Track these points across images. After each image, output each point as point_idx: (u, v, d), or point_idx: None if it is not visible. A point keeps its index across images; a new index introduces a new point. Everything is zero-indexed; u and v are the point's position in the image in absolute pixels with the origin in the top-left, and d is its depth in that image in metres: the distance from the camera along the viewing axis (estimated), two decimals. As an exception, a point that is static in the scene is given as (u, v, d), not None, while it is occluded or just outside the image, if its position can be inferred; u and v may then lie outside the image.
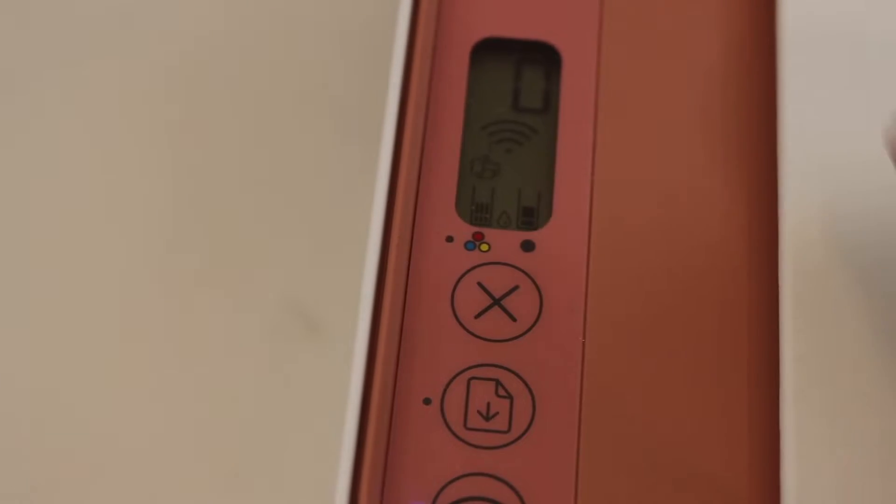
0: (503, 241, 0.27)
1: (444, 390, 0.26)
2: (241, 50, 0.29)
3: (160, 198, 0.27)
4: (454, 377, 0.26)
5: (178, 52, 0.29)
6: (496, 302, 0.27)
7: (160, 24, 0.29)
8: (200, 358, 0.26)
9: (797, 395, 0.25)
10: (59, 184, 0.27)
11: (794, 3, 0.29)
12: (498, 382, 0.26)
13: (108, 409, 0.25)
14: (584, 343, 0.26)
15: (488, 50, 0.30)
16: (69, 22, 0.29)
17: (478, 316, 0.27)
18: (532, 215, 0.28)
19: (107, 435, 0.25)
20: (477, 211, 0.28)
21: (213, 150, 0.27)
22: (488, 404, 0.26)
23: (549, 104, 0.29)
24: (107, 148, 0.28)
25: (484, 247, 0.27)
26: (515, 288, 0.27)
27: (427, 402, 0.26)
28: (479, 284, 0.27)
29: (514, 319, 0.27)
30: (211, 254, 0.27)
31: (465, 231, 0.28)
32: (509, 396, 0.26)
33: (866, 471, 0.24)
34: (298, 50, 0.28)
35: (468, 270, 0.27)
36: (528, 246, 0.27)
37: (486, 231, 0.28)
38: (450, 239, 0.28)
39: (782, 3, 0.29)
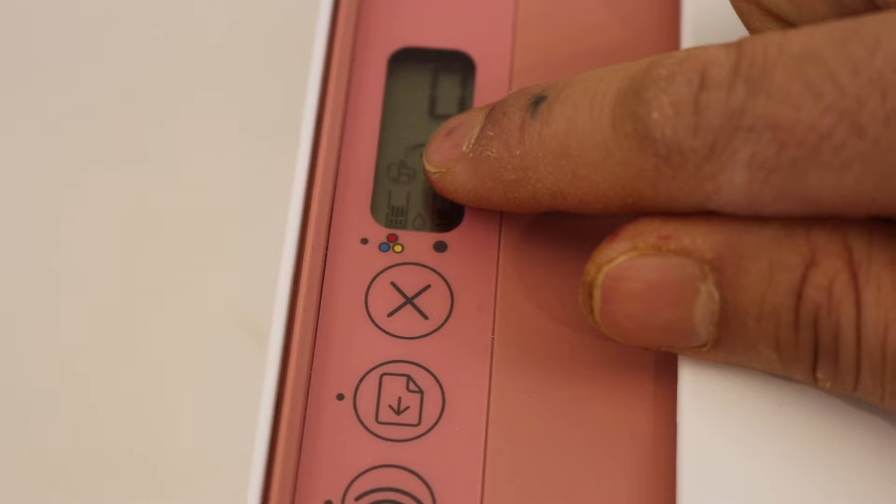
0: (416, 243, 0.28)
1: (357, 386, 0.27)
2: (160, 55, 0.29)
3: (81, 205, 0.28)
4: (367, 373, 0.27)
5: (103, 52, 0.29)
6: (409, 301, 0.28)
7: (79, 26, 0.30)
8: (136, 363, 0.26)
9: (694, 392, 0.26)
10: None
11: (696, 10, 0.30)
12: (409, 378, 0.27)
13: (47, 409, 0.26)
14: (493, 339, 0.27)
15: (405, 59, 0.31)
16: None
17: (391, 314, 0.28)
18: (445, 217, 0.29)
19: (45, 436, 0.26)
20: (392, 214, 0.29)
21: (132, 154, 0.28)
22: (399, 399, 0.27)
23: (464, 111, 0.30)
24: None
25: (398, 248, 0.28)
26: (427, 287, 0.28)
27: (340, 397, 0.27)
28: (393, 284, 0.28)
29: (425, 317, 0.27)
30: (139, 259, 0.28)
31: (379, 233, 0.28)
32: (420, 391, 0.27)
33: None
34: (217, 55, 0.29)
35: (382, 271, 0.28)
36: (440, 247, 0.28)
37: (400, 233, 0.28)
38: (364, 241, 0.28)
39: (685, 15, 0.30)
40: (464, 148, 0.27)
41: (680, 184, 0.23)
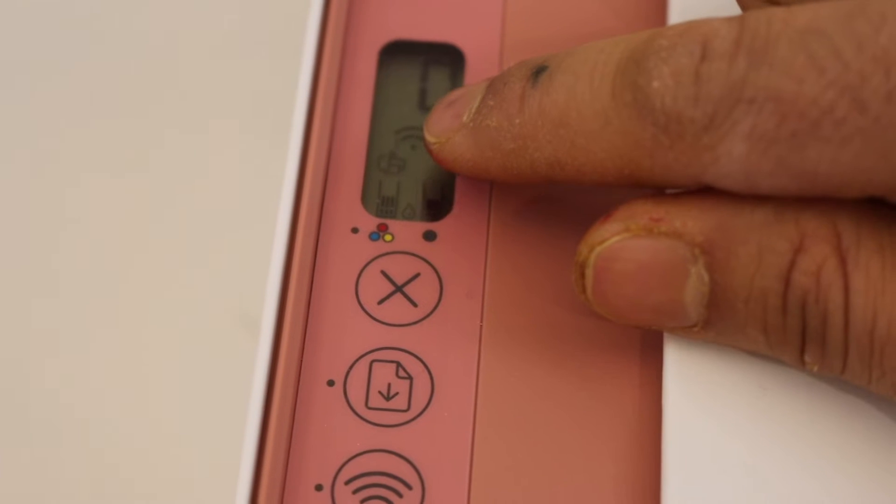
0: (406, 232, 0.29)
1: (347, 372, 0.27)
2: (150, 48, 0.30)
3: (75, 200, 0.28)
4: (357, 360, 0.27)
5: (93, 50, 0.30)
6: (398, 289, 0.28)
7: (73, 24, 0.30)
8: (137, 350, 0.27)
9: (679, 376, 0.26)
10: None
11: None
12: (399, 364, 0.27)
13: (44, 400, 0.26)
14: (481, 327, 0.28)
15: (396, 52, 0.31)
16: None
17: (380, 302, 0.28)
18: (435, 207, 0.29)
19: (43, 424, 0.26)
20: (383, 204, 0.29)
21: (125, 149, 0.29)
22: (389, 385, 0.27)
23: (454, 102, 0.31)
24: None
25: (388, 237, 0.29)
26: (417, 275, 0.28)
27: (330, 383, 0.27)
28: (383, 272, 0.28)
29: (415, 305, 0.28)
30: (130, 250, 0.28)
31: (370, 222, 0.29)
32: (409, 377, 0.27)
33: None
34: (209, 48, 0.29)
35: (372, 259, 0.28)
36: (430, 236, 0.29)
37: (390, 222, 0.29)
38: (355, 230, 0.29)
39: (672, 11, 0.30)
40: (464, 118, 0.27)
41: (677, 154, 0.23)
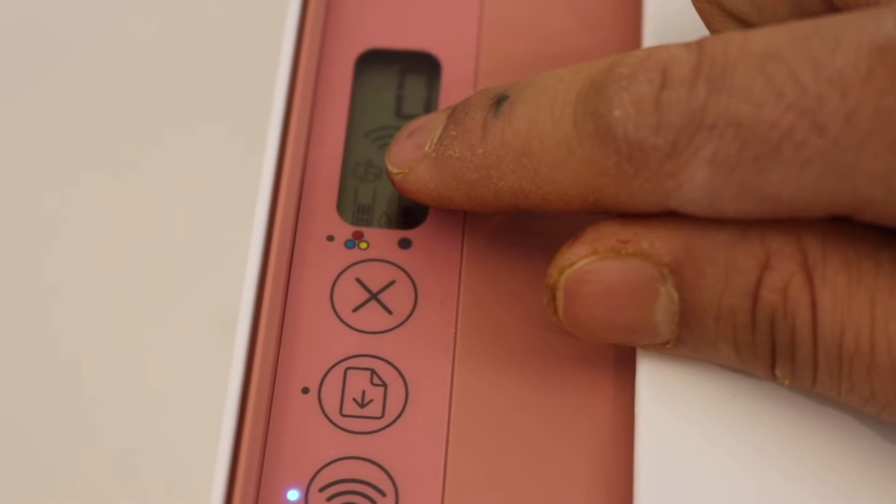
0: (382, 240, 0.29)
1: (322, 380, 0.27)
2: (128, 52, 0.30)
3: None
4: (331, 367, 0.27)
5: (69, 58, 0.30)
6: (373, 296, 0.28)
7: (51, 26, 0.30)
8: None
9: (652, 385, 0.26)
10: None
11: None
12: (373, 372, 0.27)
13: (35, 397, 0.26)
14: (455, 334, 0.28)
15: (372, 60, 0.31)
16: None
17: (355, 309, 0.28)
18: (411, 215, 0.29)
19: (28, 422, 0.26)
20: (358, 212, 0.29)
21: (102, 154, 0.29)
22: (363, 392, 0.27)
23: (430, 111, 0.31)
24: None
25: (363, 245, 0.29)
26: (392, 283, 0.28)
27: (305, 391, 0.27)
28: (358, 280, 0.28)
29: (389, 312, 0.28)
30: (108, 256, 0.28)
31: (345, 230, 0.29)
32: (384, 384, 0.27)
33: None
34: (187, 56, 0.30)
35: (347, 267, 0.29)
36: (405, 244, 0.29)
37: (365, 230, 0.29)
38: (330, 238, 0.29)
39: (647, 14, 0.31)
40: (426, 148, 0.27)
41: (642, 181, 0.24)
